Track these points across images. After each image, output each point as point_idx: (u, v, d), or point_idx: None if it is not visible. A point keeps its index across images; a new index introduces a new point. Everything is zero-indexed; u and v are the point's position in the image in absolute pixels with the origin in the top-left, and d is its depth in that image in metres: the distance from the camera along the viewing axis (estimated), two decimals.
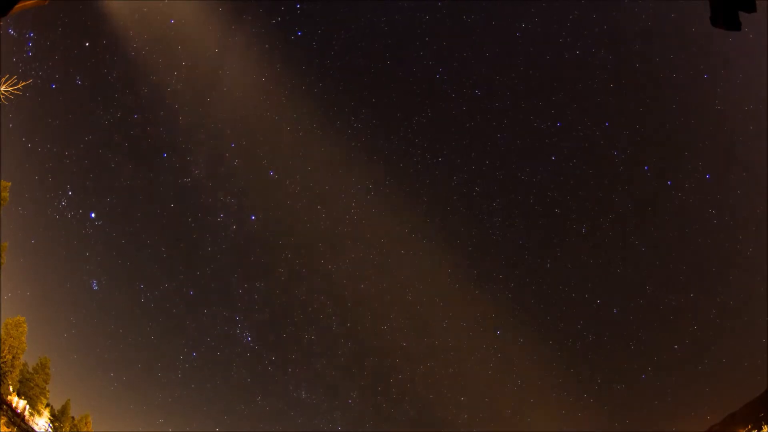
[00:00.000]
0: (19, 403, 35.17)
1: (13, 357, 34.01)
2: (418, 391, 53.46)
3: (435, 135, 51.71)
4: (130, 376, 51.32)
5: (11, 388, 34.58)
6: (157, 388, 51.52)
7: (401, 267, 53.06)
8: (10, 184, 33.02)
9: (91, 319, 51.43)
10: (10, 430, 31.98)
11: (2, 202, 31.82)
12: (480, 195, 51.91)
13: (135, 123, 49.44)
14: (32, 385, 36.62)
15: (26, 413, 35.39)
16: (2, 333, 33.42)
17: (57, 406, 39.55)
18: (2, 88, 11.14)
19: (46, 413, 37.90)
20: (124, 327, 52.05)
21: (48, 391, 37.81)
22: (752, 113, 45.34)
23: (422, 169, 51.76)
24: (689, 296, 49.08)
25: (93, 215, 49.49)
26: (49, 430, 37.62)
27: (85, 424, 39.92)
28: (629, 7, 46.44)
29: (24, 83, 11.32)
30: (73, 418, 39.92)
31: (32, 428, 35.25)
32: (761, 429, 38.67)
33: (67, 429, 38.93)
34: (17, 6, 5.62)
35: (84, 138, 49.02)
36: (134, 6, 43.05)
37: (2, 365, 32.98)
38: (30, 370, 37.26)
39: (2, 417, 31.55)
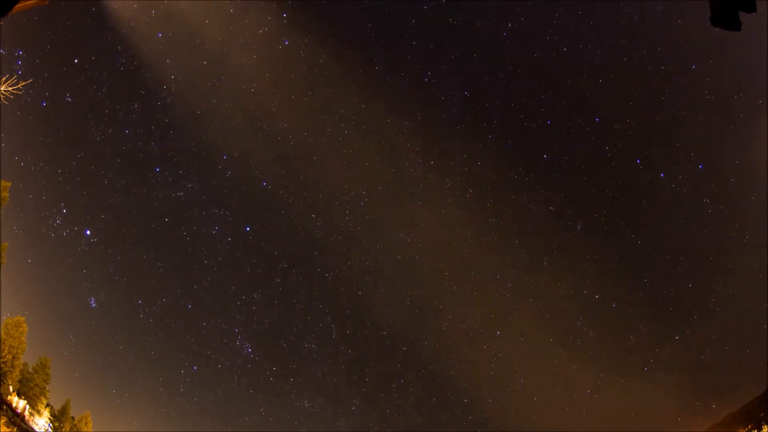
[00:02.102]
0: (19, 403, 35.18)
1: (13, 357, 34.04)
2: (421, 395, 53.43)
3: (426, 138, 51.59)
4: (132, 392, 51.40)
5: (11, 388, 34.60)
6: (160, 402, 51.42)
7: (398, 272, 53.20)
8: (10, 184, 33.06)
9: (91, 336, 51.42)
10: (10, 430, 31.99)
11: (2, 201, 31.84)
12: (473, 197, 51.73)
13: (126, 138, 49.63)
14: (32, 385, 36.65)
15: (26, 413, 35.41)
16: (2, 333, 33.44)
17: (57, 406, 39.59)
18: (2, 88, 11.14)
19: (46, 413, 37.92)
20: (124, 343, 52.11)
21: (48, 391, 37.85)
22: (742, 101, 45.54)
23: (415, 173, 51.71)
24: (687, 286, 49.15)
25: (88, 232, 49.35)
26: (49, 430, 37.64)
27: (85, 424, 39.93)
28: (615, 2, 46.65)
29: (24, 83, 11.33)
30: (73, 418, 39.95)
31: (32, 428, 35.26)
32: (761, 429, 38.69)
33: (67, 429, 38.96)
34: (17, 6, 5.63)
35: (76, 155, 49.13)
36: (121, 21, 43.19)
37: (2, 365, 32.99)
38: (30, 370, 37.28)
39: (2, 417, 31.57)
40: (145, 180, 51.10)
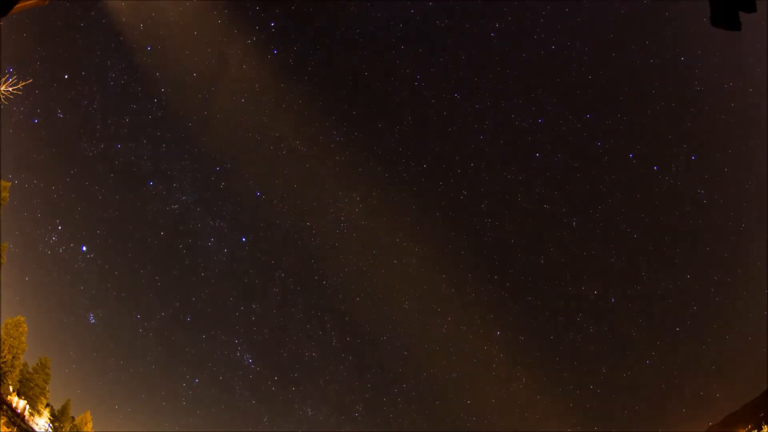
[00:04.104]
0: (19, 403, 35.17)
1: (13, 357, 34.02)
2: (423, 399, 53.61)
3: (418, 142, 52.03)
4: (134, 407, 51.30)
5: (11, 388, 34.59)
6: (163, 417, 51.25)
7: (396, 276, 53.19)
8: (10, 184, 33.03)
9: (91, 352, 51.51)
10: (10, 430, 31.98)
11: (2, 201, 31.83)
12: (468, 198, 51.95)
13: (119, 153, 49.84)
14: (32, 385, 36.63)
15: (26, 413, 35.40)
16: (2, 333, 33.43)
17: (57, 406, 39.56)
18: (2, 88, 11.13)
19: (46, 413, 37.91)
20: (125, 358, 52.12)
21: (48, 391, 37.83)
22: (732, 90, 45.63)
23: (408, 176, 51.96)
24: (686, 278, 49.22)
25: (84, 248, 49.40)
26: (49, 430, 37.62)
27: (85, 424, 39.92)
28: None
29: (24, 83, 11.31)
30: (73, 418, 39.93)
31: (32, 428, 35.25)
32: (761, 429, 38.68)
33: (67, 429, 38.94)
34: (17, 6, 5.63)
35: (69, 171, 49.13)
36: (110, 35, 43.32)
37: (2, 365, 32.98)
38: (30, 370, 37.26)
39: (2, 417, 31.55)
40: (139, 194, 51.44)
